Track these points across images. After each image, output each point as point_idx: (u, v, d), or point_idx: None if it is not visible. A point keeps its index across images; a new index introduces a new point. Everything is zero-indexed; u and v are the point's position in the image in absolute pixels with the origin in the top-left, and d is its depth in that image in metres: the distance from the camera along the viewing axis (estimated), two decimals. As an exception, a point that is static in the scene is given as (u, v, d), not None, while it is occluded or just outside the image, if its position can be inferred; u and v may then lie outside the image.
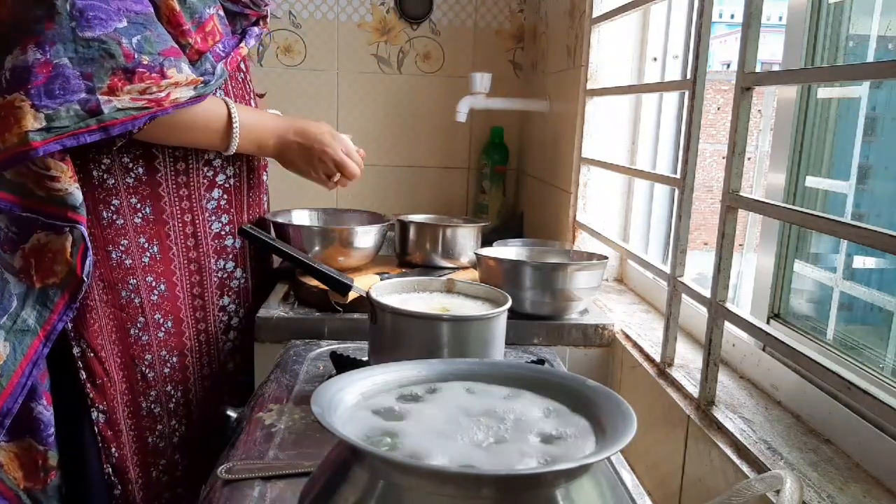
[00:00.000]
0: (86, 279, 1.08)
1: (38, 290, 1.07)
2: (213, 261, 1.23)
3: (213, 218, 1.22)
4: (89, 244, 1.07)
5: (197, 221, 1.20)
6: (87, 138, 1.00)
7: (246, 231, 1.00)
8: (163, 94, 1.03)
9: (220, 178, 1.22)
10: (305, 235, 1.33)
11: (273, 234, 1.32)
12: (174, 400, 1.23)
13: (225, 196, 1.23)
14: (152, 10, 1.06)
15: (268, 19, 1.30)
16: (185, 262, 1.20)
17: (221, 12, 1.19)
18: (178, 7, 1.09)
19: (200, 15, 1.13)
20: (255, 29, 1.26)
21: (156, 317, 1.19)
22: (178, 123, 1.10)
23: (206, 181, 1.20)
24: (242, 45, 1.21)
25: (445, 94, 2.08)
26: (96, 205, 1.13)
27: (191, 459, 1.25)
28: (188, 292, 1.21)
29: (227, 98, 1.17)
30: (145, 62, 1.01)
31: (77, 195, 1.06)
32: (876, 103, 0.97)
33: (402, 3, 2.07)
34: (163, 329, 1.20)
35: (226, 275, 1.25)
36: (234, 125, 1.15)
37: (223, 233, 1.24)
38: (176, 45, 1.07)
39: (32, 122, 0.96)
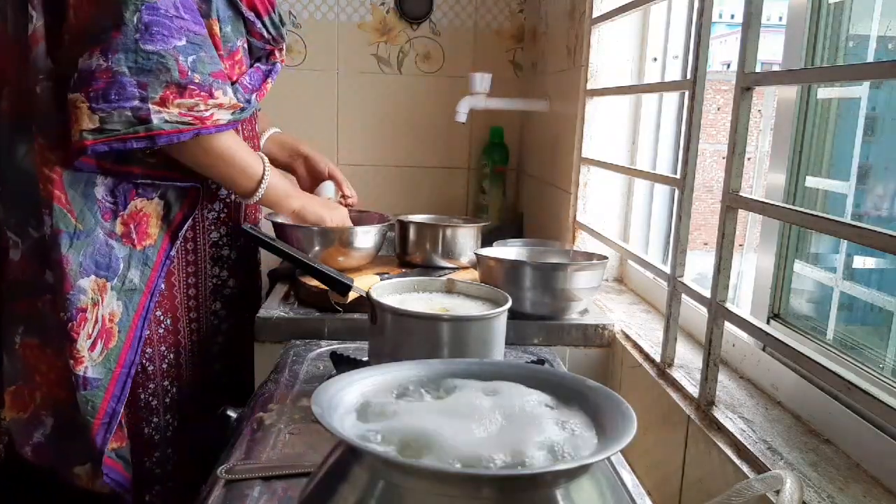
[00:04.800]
0: (178, 237, 1.20)
1: (139, 251, 1.18)
2: (209, 267, 1.29)
3: (213, 228, 1.28)
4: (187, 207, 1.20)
5: (197, 228, 1.26)
6: (133, 144, 1.06)
7: (246, 230, 1.00)
8: (207, 114, 1.10)
9: (223, 191, 1.28)
10: (305, 235, 1.33)
11: (273, 234, 1.32)
12: (170, 395, 1.27)
13: (225, 210, 1.29)
14: (207, 33, 1.12)
15: (283, 52, 1.34)
16: (184, 264, 1.26)
17: (246, 45, 1.25)
18: (218, 33, 1.15)
19: (232, 45, 1.20)
20: (279, 65, 1.33)
21: (157, 313, 1.23)
22: (222, 157, 1.16)
23: (209, 193, 1.26)
24: (269, 80, 1.28)
25: (445, 95, 2.08)
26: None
27: (180, 456, 1.29)
28: (184, 293, 1.26)
29: (262, 155, 1.25)
30: (197, 80, 1.08)
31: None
32: (876, 103, 0.97)
33: (402, 3, 2.07)
34: (162, 326, 1.24)
35: (220, 282, 1.31)
36: (263, 183, 1.21)
37: (220, 243, 1.30)
38: (224, 69, 1.13)
39: (88, 122, 1.05)
